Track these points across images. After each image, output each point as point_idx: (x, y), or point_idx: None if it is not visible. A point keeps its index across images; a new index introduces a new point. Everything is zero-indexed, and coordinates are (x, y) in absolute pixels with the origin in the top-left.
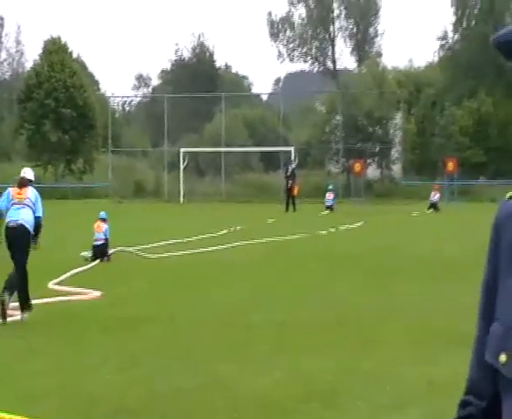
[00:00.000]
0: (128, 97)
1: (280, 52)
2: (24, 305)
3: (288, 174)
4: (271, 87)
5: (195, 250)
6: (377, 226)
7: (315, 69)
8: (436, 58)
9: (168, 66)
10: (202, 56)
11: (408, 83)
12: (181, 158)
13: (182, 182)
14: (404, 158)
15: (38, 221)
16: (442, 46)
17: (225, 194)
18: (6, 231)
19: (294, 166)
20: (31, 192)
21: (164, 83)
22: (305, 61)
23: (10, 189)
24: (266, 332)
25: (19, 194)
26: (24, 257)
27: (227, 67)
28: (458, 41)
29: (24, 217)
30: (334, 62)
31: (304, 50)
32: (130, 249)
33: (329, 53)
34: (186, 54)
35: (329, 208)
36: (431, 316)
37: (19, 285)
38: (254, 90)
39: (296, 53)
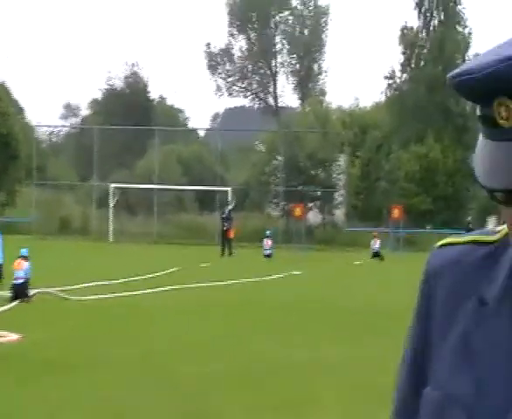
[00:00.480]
0: (55, 126)
1: (218, 86)
2: None
3: (224, 215)
4: (208, 123)
5: (121, 294)
6: (316, 275)
7: (256, 105)
8: (383, 98)
9: (98, 96)
10: (135, 86)
11: (353, 124)
12: (110, 194)
13: (111, 219)
14: (347, 203)
15: None
16: (389, 86)
17: (157, 234)
18: None
19: (230, 207)
20: None
21: (94, 113)
22: (245, 96)
23: None
24: (213, 385)
25: None
26: None
27: (162, 99)
28: (406, 81)
29: None
30: (275, 99)
31: (244, 84)
32: (51, 290)
33: (271, 89)
34: (118, 84)
35: (268, 257)
36: (357, 373)
37: None
38: (191, 125)
39: (236, 88)
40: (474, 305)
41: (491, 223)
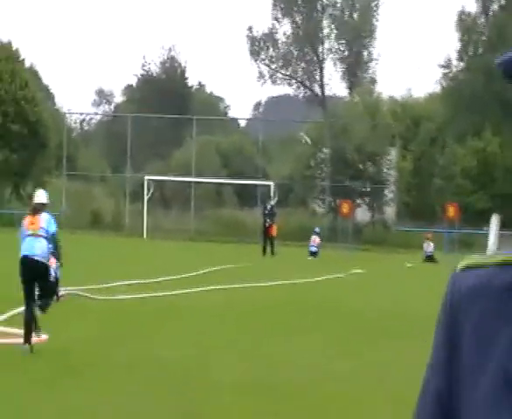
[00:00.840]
0: (86, 114)
1: (260, 73)
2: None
3: (267, 211)
4: (250, 112)
5: (155, 294)
6: (364, 277)
7: (301, 94)
8: (437, 89)
9: (133, 82)
10: (172, 72)
11: (405, 115)
12: (145, 187)
13: (145, 214)
14: (398, 200)
15: (53, 238)
16: (445, 75)
17: (194, 230)
18: (22, 266)
19: (273, 203)
20: (44, 220)
21: (128, 101)
22: (289, 84)
23: (25, 220)
24: (223, 394)
25: (32, 223)
26: (48, 283)
27: (200, 86)
28: (462, 70)
29: (39, 251)
30: (322, 87)
31: (288, 71)
32: (80, 291)
33: (317, 77)
34: (154, 69)
35: (314, 254)
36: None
37: (47, 300)
38: (231, 114)
39: (279, 75)
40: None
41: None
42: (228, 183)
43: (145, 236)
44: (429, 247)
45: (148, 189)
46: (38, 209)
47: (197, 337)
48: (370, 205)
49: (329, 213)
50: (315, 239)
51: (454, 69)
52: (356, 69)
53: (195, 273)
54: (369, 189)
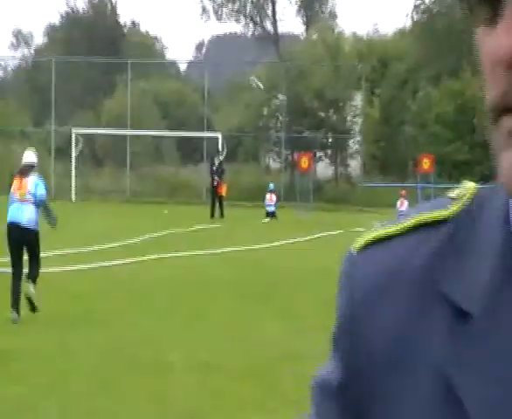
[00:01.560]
0: (2, 59)
1: (203, 8)
2: (33, 281)
3: (214, 168)
4: (191, 54)
5: (90, 265)
6: (330, 242)
7: (250, 32)
8: (408, 24)
9: (56, 21)
10: (101, 9)
11: (371, 55)
12: (73, 142)
13: (74, 173)
14: (364, 152)
15: (41, 202)
16: (416, 8)
17: (131, 191)
18: (9, 232)
19: (221, 158)
20: (31, 183)
21: (51, 43)
22: (237, 21)
23: (13, 182)
24: (187, 377)
25: (20, 189)
26: (38, 251)
27: (134, 25)
28: (436, 2)
29: (27, 218)
30: (274, 24)
31: (236, 6)
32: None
33: (269, 12)
34: (80, 6)
35: (272, 214)
36: None
37: (35, 271)
38: (170, 56)
39: (225, 10)
40: (449, 324)
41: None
42: (169, 137)
43: (73, 198)
44: (402, 205)
45: (77, 145)
46: (26, 170)
47: (145, 314)
48: (332, 159)
49: (286, 168)
50: (271, 197)
51: (427, 0)
52: (313, 2)
53: (134, 240)
54: (331, 141)
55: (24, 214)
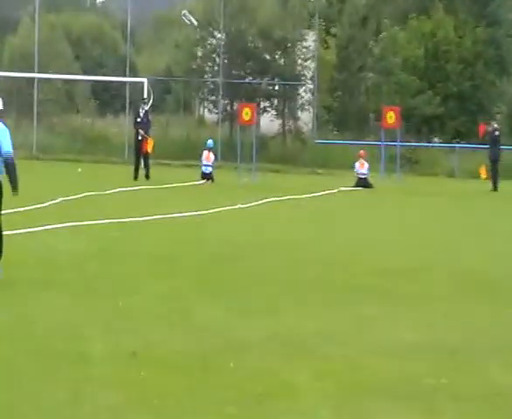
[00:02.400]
0: None
1: None
2: None
3: (139, 120)
4: None
5: None
6: (269, 210)
7: None
8: None
9: None
10: None
11: None
12: None
13: None
14: (317, 103)
15: (6, 159)
16: None
17: (38, 146)
18: None
19: (146, 108)
20: None
21: None
22: None
23: None
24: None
25: None
26: None
27: None
28: None
29: None
30: None
31: None
32: None
33: None
34: None
35: (208, 176)
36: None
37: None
38: None
39: None
40: None
41: None
42: (83, 81)
43: None
44: (362, 168)
45: None
46: None
47: (59, 293)
48: (279, 110)
49: (224, 121)
50: (209, 155)
51: None
52: None
53: (43, 205)
54: (277, 88)
55: None
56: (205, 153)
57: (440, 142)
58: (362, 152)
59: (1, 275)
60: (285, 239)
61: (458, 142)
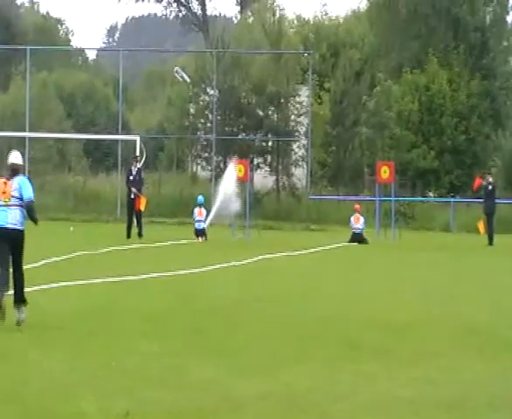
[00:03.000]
0: None
1: None
2: (24, 302)
3: (132, 178)
4: (102, 40)
5: None
6: (271, 267)
7: (173, 14)
8: (363, 5)
9: None
10: None
11: (320, 41)
12: None
13: None
14: (311, 159)
15: (27, 204)
16: None
17: None
18: None
19: (139, 166)
20: (15, 185)
21: None
22: (157, 0)
23: None
24: None
25: (4, 193)
26: (22, 255)
27: (33, 3)
28: None
29: (12, 219)
30: (203, 4)
31: None
32: None
33: None
34: None
35: (201, 233)
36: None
37: (21, 283)
38: (75, 43)
39: None
40: None
41: None
42: (75, 139)
43: None
44: (358, 222)
45: None
46: (13, 172)
47: (50, 352)
48: (273, 166)
49: (217, 177)
50: (201, 212)
51: None
52: None
53: (34, 264)
54: (271, 144)
55: (9, 218)
56: (197, 209)
57: (436, 196)
58: (357, 206)
59: (24, 319)
60: (279, 295)
61: (453, 196)
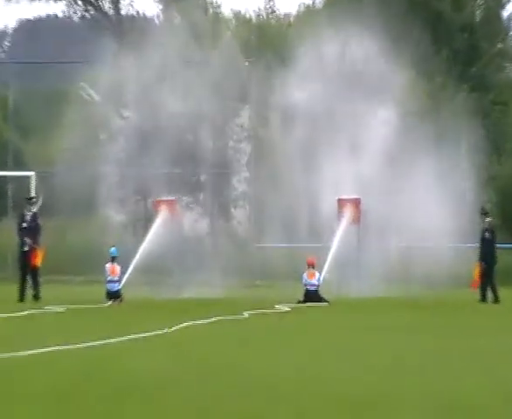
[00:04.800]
0: None
1: None
2: None
3: (25, 225)
4: None
5: None
6: (201, 331)
7: (78, 14)
8: None
9: None
10: None
11: (264, 45)
12: None
13: None
14: (255, 197)
15: None
16: None
17: None
18: None
19: (35, 210)
20: None
21: None
22: None
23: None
24: None
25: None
26: None
27: None
28: None
29: None
30: (116, 2)
31: None
32: None
33: None
34: None
35: (114, 295)
36: None
37: None
38: None
39: None
40: None
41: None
42: None
43: None
44: (312, 278)
45: None
46: None
47: None
48: (207, 206)
49: (136, 222)
50: (114, 268)
51: None
52: None
53: None
54: (204, 179)
55: None
56: (109, 266)
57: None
58: (310, 259)
59: None
60: (211, 367)
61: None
